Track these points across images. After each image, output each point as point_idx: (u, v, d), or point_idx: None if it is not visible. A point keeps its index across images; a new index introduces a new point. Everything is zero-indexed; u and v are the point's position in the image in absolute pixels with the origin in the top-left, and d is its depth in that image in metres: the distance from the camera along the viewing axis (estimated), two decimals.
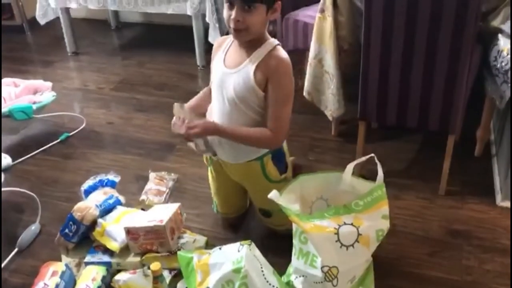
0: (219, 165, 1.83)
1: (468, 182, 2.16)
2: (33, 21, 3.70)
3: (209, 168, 1.92)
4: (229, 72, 1.60)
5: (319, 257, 1.51)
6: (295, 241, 1.61)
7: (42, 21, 3.49)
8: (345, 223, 1.54)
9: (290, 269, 1.67)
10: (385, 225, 1.60)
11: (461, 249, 1.85)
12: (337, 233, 1.52)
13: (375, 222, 1.58)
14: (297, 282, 1.60)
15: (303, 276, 1.58)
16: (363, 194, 1.63)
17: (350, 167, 1.71)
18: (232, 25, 1.50)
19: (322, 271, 1.51)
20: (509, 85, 1.91)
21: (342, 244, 1.52)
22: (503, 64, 1.94)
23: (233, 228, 1.97)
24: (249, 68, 1.57)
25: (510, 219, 1.95)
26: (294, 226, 1.61)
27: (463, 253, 1.83)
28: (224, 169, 1.82)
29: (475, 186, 2.15)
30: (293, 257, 1.62)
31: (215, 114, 1.71)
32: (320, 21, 2.21)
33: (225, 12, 1.52)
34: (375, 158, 1.68)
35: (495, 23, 2.04)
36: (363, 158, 1.71)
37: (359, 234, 1.54)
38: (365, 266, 1.63)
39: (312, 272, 1.54)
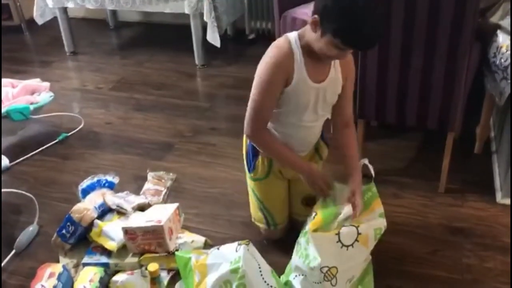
0: (278, 170, 1.76)
1: (468, 180, 2.15)
2: (31, 21, 3.70)
3: (255, 183, 1.80)
4: (323, 86, 1.60)
5: (319, 258, 1.50)
6: (301, 239, 1.59)
7: (40, 21, 3.49)
8: (344, 224, 1.54)
9: (289, 268, 1.66)
10: (382, 223, 1.59)
11: (462, 247, 1.84)
12: (338, 234, 1.52)
13: (373, 221, 1.58)
14: (296, 281, 1.59)
15: (303, 275, 1.57)
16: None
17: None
18: (332, 57, 1.54)
19: (322, 272, 1.50)
20: (509, 81, 1.90)
21: (343, 245, 1.52)
22: (502, 60, 1.93)
23: (274, 245, 1.87)
24: (338, 74, 1.63)
25: (510, 217, 1.93)
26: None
27: (464, 251, 1.82)
28: (281, 169, 1.77)
29: (475, 183, 2.13)
30: (295, 255, 1.61)
31: (299, 135, 1.70)
32: None
33: (329, 46, 1.46)
34: (367, 162, 1.67)
35: (494, 19, 2.03)
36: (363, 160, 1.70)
37: (358, 234, 1.53)
38: (364, 265, 1.62)
39: (311, 272, 1.53)
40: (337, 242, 1.51)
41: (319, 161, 1.83)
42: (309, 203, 1.78)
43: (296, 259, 1.59)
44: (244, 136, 1.78)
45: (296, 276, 1.59)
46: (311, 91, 1.58)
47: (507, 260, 1.77)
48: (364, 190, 1.65)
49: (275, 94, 1.56)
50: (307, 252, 1.54)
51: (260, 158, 1.74)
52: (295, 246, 1.62)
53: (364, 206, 1.61)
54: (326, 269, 1.50)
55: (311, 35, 1.48)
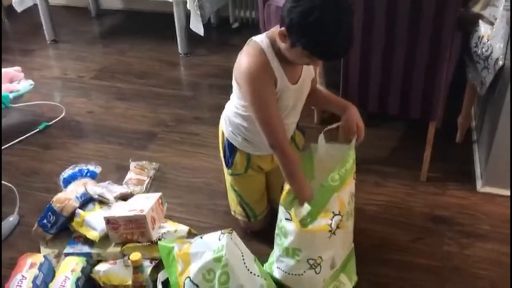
0: (256, 165, 1.77)
1: (449, 169, 2.18)
2: (10, 8, 3.62)
3: (234, 178, 1.81)
4: (300, 85, 1.61)
5: (303, 252, 1.51)
6: (280, 233, 1.58)
7: (19, 8, 3.42)
8: (334, 214, 1.51)
9: (272, 257, 1.66)
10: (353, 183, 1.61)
11: (443, 235, 1.86)
12: (330, 225, 1.50)
13: (350, 191, 1.59)
14: (277, 273, 1.60)
15: (284, 271, 1.57)
16: (338, 166, 1.57)
17: (321, 136, 1.68)
18: (305, 64, 1.56)
19: (308, 263, 1.52)
20: (490, 71, 1.92)
21: (331, 234, 1.52)
22: (483, 50, 1.94)
23: (258, 233, 1.87)
24: (310, 69, 1.64)
25: (510, 209, 1.96)
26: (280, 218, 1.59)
27: (445, 238, 1.85)
28: (259, 164, 1.78)
29: (456, 172, 2.16)
30: (276, 248, 1.60)
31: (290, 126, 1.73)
32: None
33: (300, 56, 1.46)
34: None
35: (476, 9, 2.04)
36: (334, 125, 1.67)
37: (340, 220, 1.53)
38: (346, 252, 1.63)
39: (297, 265, 1.54)
40: (329, 233, 1.50)
41: (296, 151, 1.82)
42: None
43: (277, 250, 1.59)
44: (220, 132, 1.79)
45: (278, 268, 1.60)
46: (292, 93, 1.59)
47: (487, 247, 1.80)
48: (345, 157, 1.60)
49: (275, 102, 1.55)
50: (290, 245, 1.53)
51: (238, 154, 1.74)
52: (275, 238, 1.61)
53: (343, 177, 1.56)
54: (312, 261, 1.52)
55: (281, 44, 1.46)
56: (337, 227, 1.52)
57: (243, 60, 1.51)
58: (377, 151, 2.30)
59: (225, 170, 1.83)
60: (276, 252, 1.61)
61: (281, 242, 1.56)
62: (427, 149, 2.06)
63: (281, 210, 1.56)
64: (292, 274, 1.56)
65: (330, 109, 1.77)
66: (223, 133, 1.78)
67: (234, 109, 1.66)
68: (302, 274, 1.55)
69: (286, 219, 1.53)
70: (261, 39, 1.52)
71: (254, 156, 1.75)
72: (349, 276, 1.63)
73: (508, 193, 2.02)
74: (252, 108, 1.53)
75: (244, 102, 1.59)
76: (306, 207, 1.49)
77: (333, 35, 1.37)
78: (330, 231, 1.50)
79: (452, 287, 1.67)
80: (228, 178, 1.84)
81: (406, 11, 1.80)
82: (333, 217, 1.50)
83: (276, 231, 1.61)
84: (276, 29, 1.48)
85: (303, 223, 1.49)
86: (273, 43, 1.50)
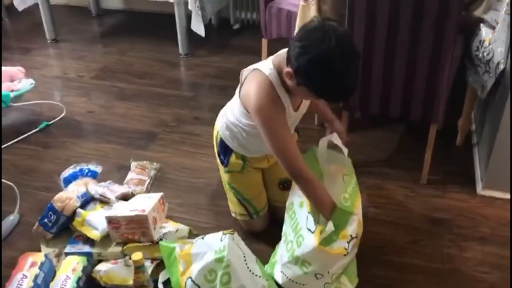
0: (252, 165, 1.80)
1: (449, 171, 2.18)
2: (10, 7, 3.61)
3: (231, 175, 1.82)
4: (301, 110, 1.68)
5: (313, 266, 1.51)
6: (293, 238, 1.56)
7: (20, 7, 3.41)
8: (351, 237, 1.52)
9: (274, 258, 1.66)
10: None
11: (442, 238, 1.87)
12: (346, 248, 1.51)
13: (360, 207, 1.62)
14: (280, 277, 1.60)
15: (288, 277, 1.58)
16: (344, 186, 1.63)
17: (323, 141, 1.71)
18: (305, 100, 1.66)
19: (315, 277, 1.53)
20: (491, 75, 1.93)
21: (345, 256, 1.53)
22: (485, 54, 1.95)
23: (259, 234, 1.87)
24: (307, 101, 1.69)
25: (510, 211, 1.97)
26: (293, 223, 1.60)
27: (444, 241, 1.85)
28: (255, 165, 1.81)
29: (456, 175, 2.17)
30: (284, 251, 1.59)
31: None
32: (304, 9, 2.19)
33: (305, 94, 1.50)
34: (337, 138, 1.71)
35: (477, 13, 2.05)
36: (330, 136, 1.72)
37: (356, 241, 1.55)
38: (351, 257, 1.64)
39: (302, 275, 1.54)
40: (344, 255, 1.52)
41: None
42: (285, 187, 1.81)
43: (285, 256, 1.58)
44: (215, 132, 1.81)
45: (282, 273, 1.59)
46: (293, 119, 1.65)
47: (486, 250, 1.81)
48: (348, 174, 1.66)
49: (288, 131, 1.58)
50: (302, 256, 1.53)
51: (233, 154, 1.77)
52: (286, 243, 1.60)
53: (353, 195, 1.62)
54: (319, 275, 1.53)
55: (288, 81, 1.49)
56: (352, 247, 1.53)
57: (254, 95, 1.52)
58: (377, 153, 2.31)
59: (222, 170, 1.84)
60: (283, 256, 1.59)
61: (292, 249, 1.55)
62: (427, 152, 2.06)
63: (304, 217, 1.55)
64: (296, 282, 1.57)
65: (317, 115, 1.81)
66: (218, 134, 1.79)
67: (236, 121, 1.68)
68: (305, 284, 1.57)
69: (308, 229, 1.51)
70: (269, 71, 1.52)
71: (249, 157, 1.77)
72: (350, 279, 1.64)
73: (508, 196, 2.02)
74: (267, 142, 1.55)
75: (250, 121, 1.61)
76: (331, 227, 1.49)
77: (339, 83, 1.41)
78: (345, 254, 1.51)
79: None
80: (225, 177, 1.85)
81: (408, 14, 1.81)
82: (350, 240, 1.52)
83: (289, 237, 1.59)
84: (281, 58, 1.50)
85: (323, 242, 1.49)
86: (280, 74, 1.51)
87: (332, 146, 1.73)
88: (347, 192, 1.62)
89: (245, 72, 1.62)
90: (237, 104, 1.65)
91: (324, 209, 1.53)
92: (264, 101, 1.50)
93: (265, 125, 1.52)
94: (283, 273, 1.59)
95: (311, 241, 1.49)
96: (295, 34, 2.24)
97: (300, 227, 1.55)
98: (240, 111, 1.64)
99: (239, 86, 1.64)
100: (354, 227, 1.54)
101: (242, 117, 1.64)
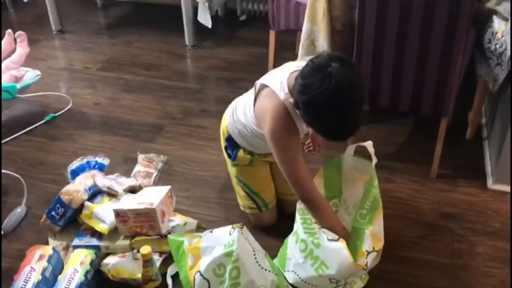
0: (260, 159, 1.80)
1: (459, 166, 2.16)
2: None
3: (238, 168, 1.81)
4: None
5: (329, 270, 1.51)
6: (306, 238, 1.56)
7: None
8: (367, 252, 1.53)
9: (283, 254, 1.65)
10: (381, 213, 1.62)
11: (452, 232, 1.85)
12: (366, 264, 1.52)
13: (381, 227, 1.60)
14: (291, 276, 1.59)
15: (300, 278, 1.57)
16: (361, 201, 1.63)
17: (351, 150, 1.71)
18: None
19: (329, 281, 1.53)
20: (503, 67, 1.90)
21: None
22: (497, 46, 1.92)
23: (267, 228, 1.86)
24: None
25: (510, 204, 1.95)
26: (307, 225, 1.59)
27: (454, 236, 1.83)
28: (263, 159, 1.80)
29: (466, 169, 2.14)
30: (297, 251, 1.58)
31: None
32: (313, 1, 2.16)
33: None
34: (371, 146, 1.69)
35: (490, 4, 2.02)
36: (365, 143, 1.70)
37: (376, 254, 1.55)
38: None
39: (316, 275, 1.53)
40: (363, 269, 1.53)
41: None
42: None
43: (298, 256, 1.57)
44: (223, 127, 1.80)
45: (294, 272, 1.59)
46: (302, 134, 1.65)
47: (497, 245, 1.79)
48: (369, 188, 1.65)
49: (300, 154, 1.58)
50: (318, 258, 1.53)
51: (241, 149, 1.76)
52: (296, 243, 1.59)
53: (371, 210, 1.62)
54: (334, 280, 1.53)
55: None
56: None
57: (269, 119, 1.52)
58: (387, 147, 2.29)
59: (230, 164, 1.83)
60: (296, 256, 1.58)
61: (310, 250, 1.54)
62: (438, 146, 2.04)
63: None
64: (308, 283, 1.57)
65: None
66: (226, 129, 1.78)
67: (247, 125, 1.67)
68: (317, 286, 1.57)
69: (329, 239, 1.52)
70: (284, 96, 1.50)
71: (256, 153, 1.77)
72: (360, 277, 1.62)
73: None
74: (279, 164, 1.57)
75: (261, 131, 1.61)
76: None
77: (335, 126, 1.41)
78: (364, 269, 1.52)
79: (462, 284, 1.66)
80: (232, 170, 1.84)
81: (420, 6, 1.78)
82: (367, 255, 1.52)
83: (301, 236, 1.57)
84: (292, 79, 1.48)
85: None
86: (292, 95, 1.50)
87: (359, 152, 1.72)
88: (365, 206, 1.62)
89: (258, 84, 1.61)
90: (249, 113, 1.64)
91: (335, 232, 1.55)
92: (279, 127, 1.51)
93: (278, 150, 1.54)
94: (295, 272, 1.58)
95: (340, 249, 1.49)
96: (303, 27, 2.24)
97: (316, 232, 1.56)
98: (252, 121, 1.64)
99: (253, 97, 1.62)
100: (369, 242, 1.54)
101: (253, 125, 1.64)
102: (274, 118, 1.51)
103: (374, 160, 1.67)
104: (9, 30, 2.67)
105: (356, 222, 1.60)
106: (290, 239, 1.64)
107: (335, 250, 1.50)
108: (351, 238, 1.58)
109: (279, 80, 1.54)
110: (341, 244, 1.50)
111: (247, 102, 1.67)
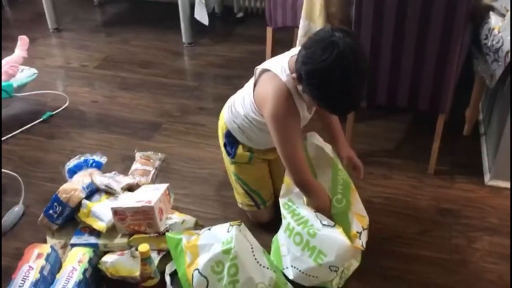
0: (259, 156, 1.81)
1: (457, 162, 2.17)
2: None
3: (237, 166, 1.81)
4: (312, 113, 1.67)
5: (328, 258, 1.51)
6: (300, 230, 1.56)
7: None
8: (358, 233, 1.56)
9: (278, 252, 1.65)
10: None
11: (450, 228, 1.85)
12: (362, 245, 1.54)
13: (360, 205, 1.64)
14: (292, 272, 1.59)
15: (300, 270, 1.58)
16: (332, 188, 1.65)
17: (311, 137, 1.72)
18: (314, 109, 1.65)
19: (330, 269, 1.53)
20: (500, 63, 1.90)
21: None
22: (494, 42, 1.92)
23: (265, 225, 1.86)
24: None
25: (510, 200, 1.95)
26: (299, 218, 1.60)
27: (452, 232, 1.84)
28: (262, 156, 1.81)
29: (463, 165, 2.15)
30: (295, 247, 1.58)
31: None
32: None
33: (313, 102, 1.48)
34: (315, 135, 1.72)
35: (487, 0, 2.02)
36: (308, 134, 1.74)
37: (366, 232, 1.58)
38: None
39: (315, 266, 1.54)
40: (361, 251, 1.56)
41: None
42: None
43: (295, 249, 1.58)
44: (222, 124, 1.79)
45: (293, 267, 1.59)
46: (305, 120, 1.65)
47: (495, 241, 1.80)
48: (334, 172, 1.67)
49: (300, 138, 1.59)
50: (315, 247, 1.54)
51: (240, 146, 1.76)
52: (290, 237, 1.59)
53: (345, 194, 1.64)
54: (334, 267, 1.53)
55: (298, 86, 1.48)
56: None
57: (271, 102, 1.51)
58: (385, 143, 2.29)
59: (227, 160, 1.83)
60: (292, 250, 1.59)
61: (306, 240, 1.55)
62: (435, 142, 2.04)
63: (312, 212, 1.57)
64: (309, 275, 1.57)
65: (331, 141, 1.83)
66: (225, 126, 1.77)
67: (246, 115, 1.66)
68: (318, 277, 1.57)
69: (324, 224, 1.54)
70: (286, 78, 1.50)
71: (255, 149, 1.77)
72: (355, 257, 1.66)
73: None
74: (278, 146, 1.56)
75: (262, 119, 1.60)
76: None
77: (338, 97, 1.38)
78: (362, 250, 1.55)
79: (460, 280, 1.66)
80: (231, 168, 1.83)
81: (417, 2, 1.78)
82: (360, 235, 1.54)
83: (296, 229, 1.58)
84: (293, 62, 1.47)
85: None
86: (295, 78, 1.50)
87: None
88: (338, 191, 1.63)
89: (259, 69, 1.60)
90: (249, 100, 1.63)
91: (320, 203, 1.59)
92: (280, 109, 1.50)
93: (278, 132, 1.53)
94: (294, 267, 1.58)
95: (336, 234, 1.51)
96: (299, 24, 2.23)
97: (308, 219, 1.56)
98: (251, 108, 1.63)
99: (252, 84, 1.61)
100: (356, 222, 1.57)
101: (253, 113, 1.64)
102: (276, 100, 1.50)
103: (327, 145, 1.70)
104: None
105: (334, 209, 1.60)
106: (281, 236, 1.65)
107: (331, 237, 1.51)
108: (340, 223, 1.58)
109: (280, 64, 1.54)
110: (337, 230, 1.51)
111: (246, 92, 1.66)
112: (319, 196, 1.60)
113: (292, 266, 1.59)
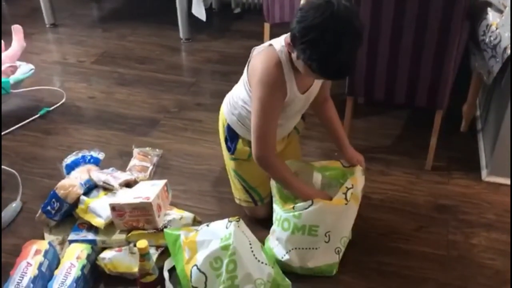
0: None
1: (454, 158, 2.17)
2: None
3: (236, 162, 1.80)
4: (309, 93, 1.65)
5: (320, 226, 1.56)
6: (288, 216, 1.59)
7: None
8: (347, 188, 1.58)
9: (270, 236, 1.68)
10: (363, 181, 1.69)
11: (447, 224, 1.86)
12: (346, 199, 1.57)
13: (361, 179, 1.67)
14: (293, 254, 1.61)
15: (300, 248, 1.61)
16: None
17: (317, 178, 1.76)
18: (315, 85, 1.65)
19: (326, 236, 1.58)
20: (497, 60, 1.90)
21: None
22: (491, 38, 1.92)
23: (263, 221, 1.84)
24: (319, 82, 1.66)
25: (510, 196, 1.96)
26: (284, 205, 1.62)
27: (449, 228, 1.85)
28: None
29: (460, 161, 2.15)
30: (286, 233, 1.60)
31: (283, 128, 1.73)
32: None
33: (306, 70, 1.45)
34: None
35: None
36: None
37: (352, 193, 1.59)
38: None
39: (312, 240, 1.58)
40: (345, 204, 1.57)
41: (296, 135, 1.90)
42: None
43: (287, 235, 1.60)
44: (221, 118, 1.80)
45: (290, 250, 1.62)
46: (300, 102, 1.62)
47: (492, 237, 1.80)
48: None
49: (278, 116, 1.57)
50: (305, 226, 1.57)
51: (240, 140, 1.75)
52: (279, 226, 1.62)
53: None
54: (329, 233, 1.58)
55: (292, 54, 1.46)
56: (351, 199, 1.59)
57: (260, 69, 1.51)
58: (382, 140, 2.30)
59: (227, 156, 1.83)
60: (281, 234, 1.62)
61: (293, 223, 1.58)
62: (433, 138, 2.05)
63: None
64: (309, 248, 1.60)
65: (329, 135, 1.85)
66: (225, 119, 1.77)
67: (244, 104, 1.66)
68: (317, 248, 1.60)
69: (306, 208, 1.57)
70: (280, 48, 1.50)
71: None
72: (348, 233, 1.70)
73: None
74: (253, 115, 1.55)
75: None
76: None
77: (331, 55, 1.36)
78: (346, 204, 1.56)
79: (457, 275, 1.67)
80: (230, 164, 1.83)
81: None
82: (347, 191, 1.57)
83: (283, 216, 1.61)
84: (289, 37, 1.46)
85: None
86: (289, 53, 1.49)
87: None
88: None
89: (256, 49, 1.60)
90: (244, 85, 1.63)
91: (303, 195, 1.61)
92: (269, 78, 1.50)
93: (259, 100, 1.52)
94: (294, 248, 1.61)
95: (314, 205, 1.56)
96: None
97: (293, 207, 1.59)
98: (246, 88, 1.63)
99: (247, 63, 1.61)
100: (348, 181, 1.61)
101: (247, 95, 1.63)
102: (266, 66, 1.50)
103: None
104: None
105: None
106: (272, 230, 1.69)
107: (312, 210, 1.55)
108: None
109: (279, 38, 1.55)
110: (316, 201, 1.55)
111: (240, 82, 1.67)
112: (286, 176, 1.61)
113: (290, 250, 1.62)
